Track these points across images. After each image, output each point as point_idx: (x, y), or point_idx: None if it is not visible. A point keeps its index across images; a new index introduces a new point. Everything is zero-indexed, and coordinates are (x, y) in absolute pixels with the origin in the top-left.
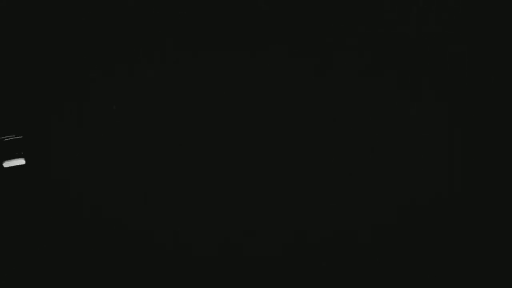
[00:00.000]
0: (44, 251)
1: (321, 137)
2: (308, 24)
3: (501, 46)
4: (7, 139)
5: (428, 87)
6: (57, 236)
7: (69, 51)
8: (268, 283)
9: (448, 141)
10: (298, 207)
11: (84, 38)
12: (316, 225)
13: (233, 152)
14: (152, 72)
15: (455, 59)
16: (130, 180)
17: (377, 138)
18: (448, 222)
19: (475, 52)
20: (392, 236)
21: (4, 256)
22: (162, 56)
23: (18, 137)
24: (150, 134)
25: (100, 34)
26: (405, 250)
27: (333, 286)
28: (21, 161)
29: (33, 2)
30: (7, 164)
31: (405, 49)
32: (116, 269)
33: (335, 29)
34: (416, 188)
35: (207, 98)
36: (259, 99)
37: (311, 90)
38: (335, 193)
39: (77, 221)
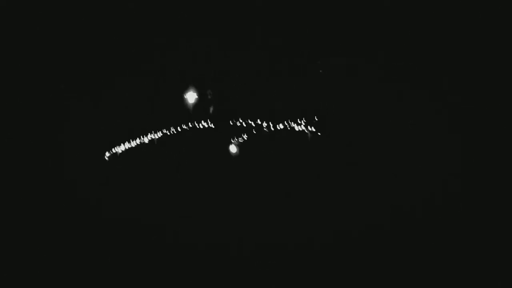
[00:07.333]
0: (53, 250)
1: (318, 137)
2: (308, 24)
3: (501, 46)
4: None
5: (428, 87)
6: (66, 235)
7: (71, 51)
8: (267, 283)
9: (447, 141)
10: (295, 208)
11: (83, 38)
12: (313, 226)
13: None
14: (151, 71)
15: (454, 59)
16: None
17: (377, 138)
18: (447, 222)
19: (475, 52)
20: (391, 237)
21: (7, 256)
22: (161, 56)
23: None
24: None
25: (100, 34)
26: (403, 251)
27: (332, 286)
28: None
29: (33, 2)
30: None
31: (405, 50)
32: (123, 266)
33: (334, 30)
34: (415, 190)
35: (205, 97)
36: (256, 98)
37: (310, 90)
38: (332, 194)
39: (87, 220)
